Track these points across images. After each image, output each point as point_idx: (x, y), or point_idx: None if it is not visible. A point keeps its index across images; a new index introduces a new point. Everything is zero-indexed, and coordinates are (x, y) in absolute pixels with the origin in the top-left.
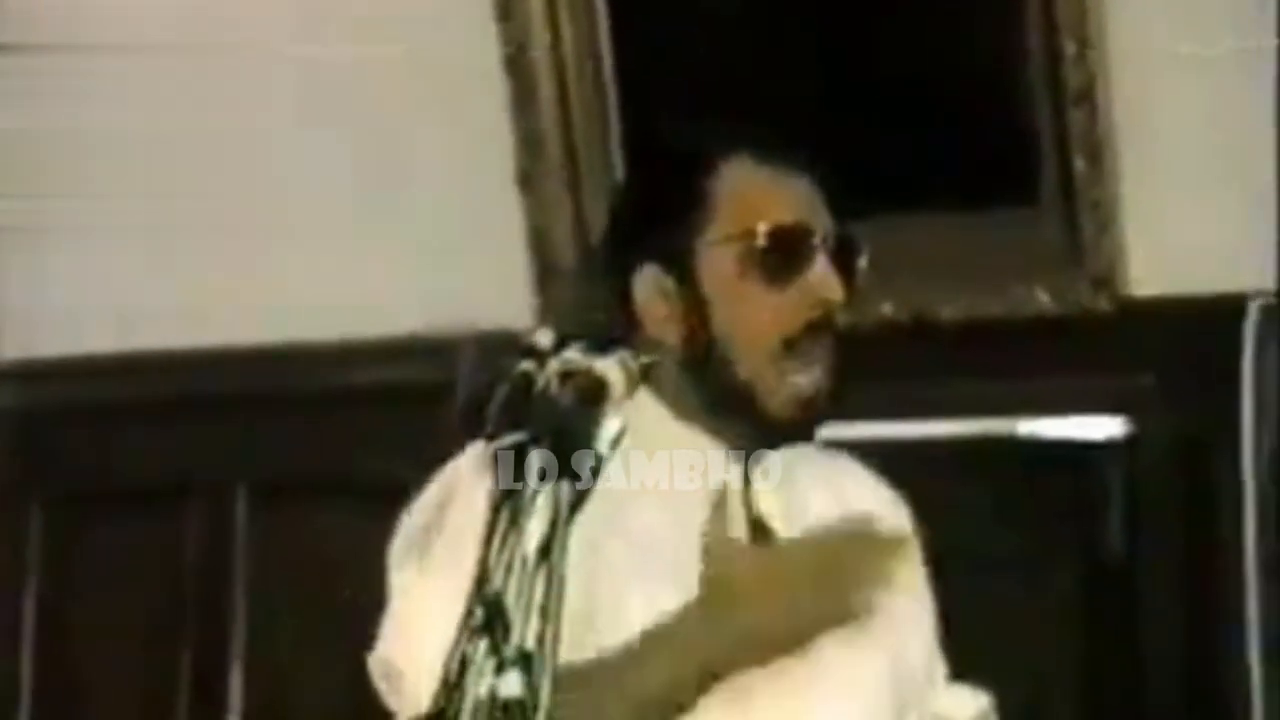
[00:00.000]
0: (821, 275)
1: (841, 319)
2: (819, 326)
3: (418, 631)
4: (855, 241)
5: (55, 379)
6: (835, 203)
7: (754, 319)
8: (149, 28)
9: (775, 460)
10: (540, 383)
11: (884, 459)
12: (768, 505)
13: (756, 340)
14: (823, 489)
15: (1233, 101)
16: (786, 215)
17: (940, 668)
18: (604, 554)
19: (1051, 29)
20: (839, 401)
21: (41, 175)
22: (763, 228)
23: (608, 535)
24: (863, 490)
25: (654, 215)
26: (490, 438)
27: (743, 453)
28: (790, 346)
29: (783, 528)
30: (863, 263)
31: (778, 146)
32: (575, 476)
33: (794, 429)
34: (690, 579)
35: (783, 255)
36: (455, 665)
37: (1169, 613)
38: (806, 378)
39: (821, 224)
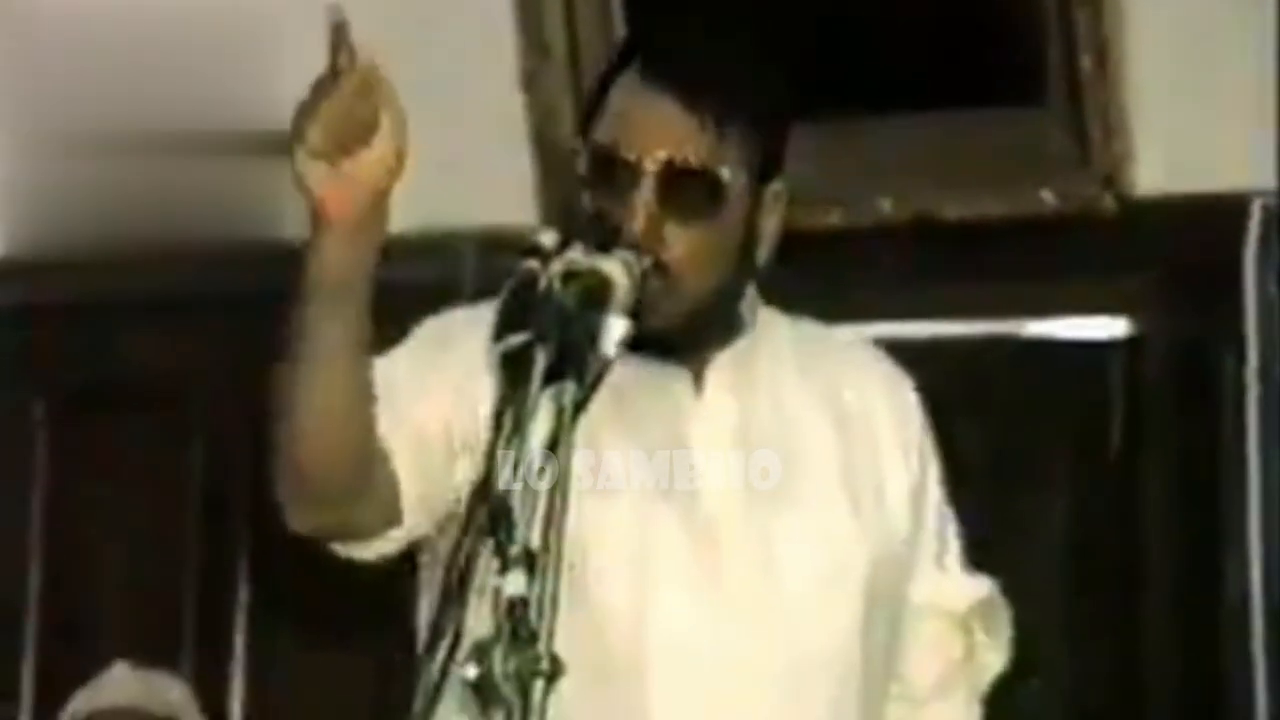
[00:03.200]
0: (628, 206)
1: (837, 218)
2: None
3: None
4: (693, 177)
5: (59, 275)
6: (827, 104)
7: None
8: None
9: (722, 369)
10: (544, 283)
11: None
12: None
13: None
14: (817, 403)
15: (1241, 2)
16: (619, 137)
17: (951, 555)
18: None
19: None
20: (705, 330)
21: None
22: (586, 147)
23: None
24: (867, 388)
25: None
26: (495, 338)
27: (685, 370)
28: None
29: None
30: (707, 202)
31: (669, 66)
32: (580, 377)
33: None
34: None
35: (601, 177)
36: (459, 566)
37: (1171, 510)
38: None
39: (669, 152)
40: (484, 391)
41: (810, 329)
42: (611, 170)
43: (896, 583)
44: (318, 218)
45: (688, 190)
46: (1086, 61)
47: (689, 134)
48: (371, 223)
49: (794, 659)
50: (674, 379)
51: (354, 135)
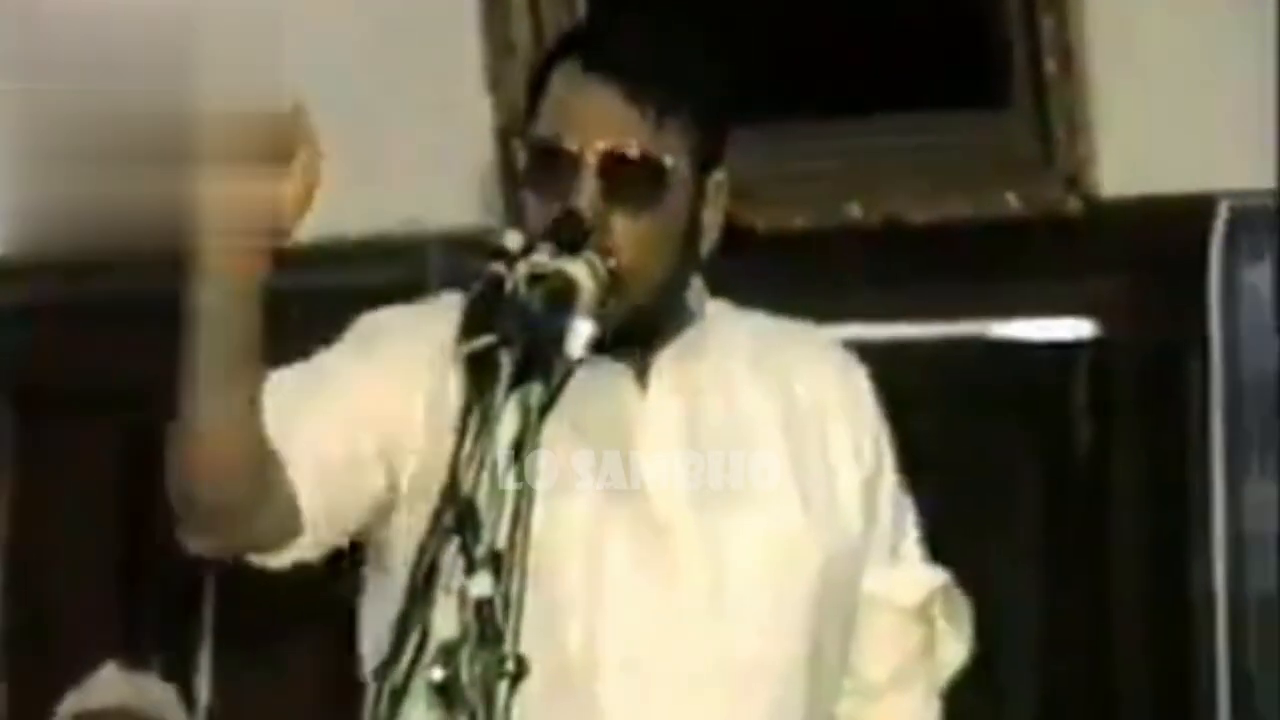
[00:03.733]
0: (571, 195)
1: (804, 221)
2: (567, 218)
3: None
4: (635, 166)
5: (26, 278)
6: (794, 107)
7: (529, 228)
8: None
9: (666, 365)
10: (509, 285)
11: None
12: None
13: None
14: (767, 394)
15: (1205, 3)
16: (559, 129)
17: (908, 543)
18: None
19: None
20: (643, 333)
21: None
22: (527, 140)
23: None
24: (818, 379)
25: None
26: (461, 339)
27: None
28: (551, 235)
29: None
30: (650, 191)
31: (609, 54)
32: (546, 378)
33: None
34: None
35: (542, 168)
36: (424, 568)
37: (1136, 512)
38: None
39: (611, 142)
40: (417, 386)
41: (762, 321)
42: (553, 162)
43: (850, 579)
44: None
45: (630, 180)
46: (1051, 64)
47: (630, 123)
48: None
49: (741, 660)
50: (618, 378)
51: (266, 159)
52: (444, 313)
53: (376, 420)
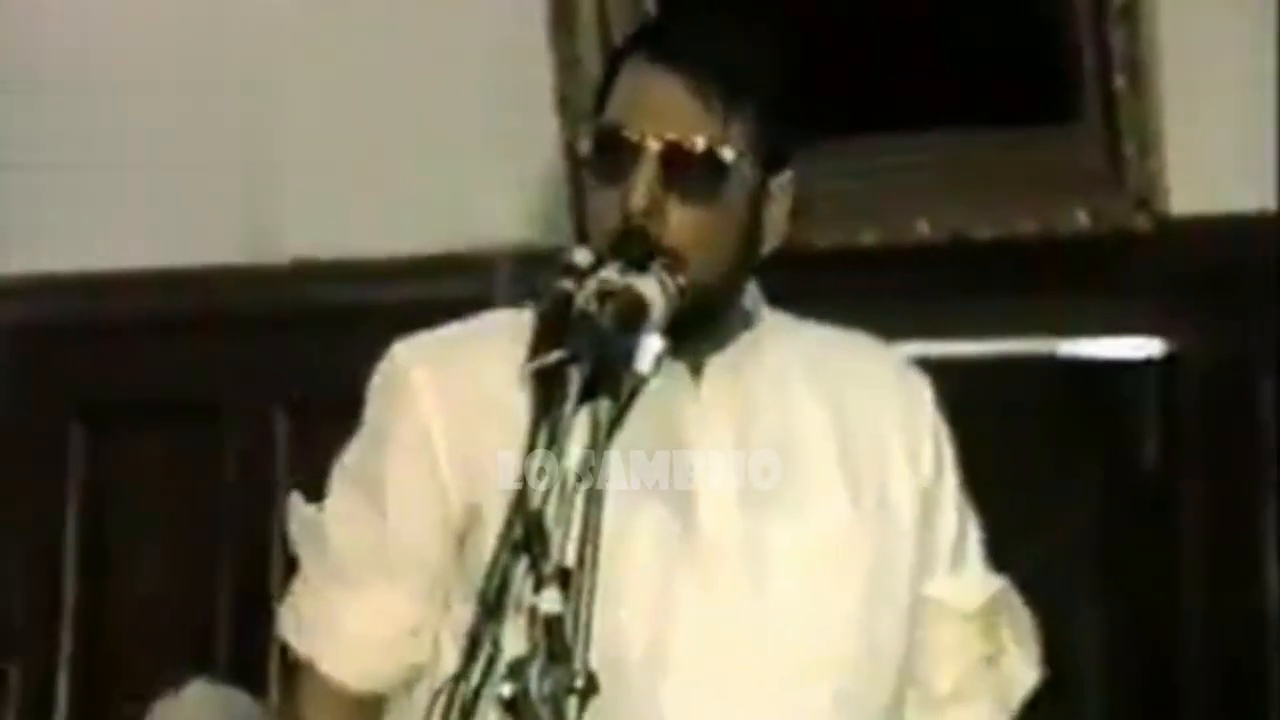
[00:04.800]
0: (629, 183)
1: (872, 238)
2: (630, 235)
3: (342, 631)
4: (696, 157)
5: (96, 293)
6: (864, 123)
7: (590, 216)
8: None
9: (722, 365)
10: (580, 301)
11: None
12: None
13: (593, 240)
14: (820, 402)
15: (1274, 21)
16: (622, 117)
17: (971, 548)
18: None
19: None
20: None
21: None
22: (591, 127)
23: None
24: (875, 386)
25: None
26: (530, 356)
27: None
28: (615, 251)
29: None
30: (709, 183)
31: (677, 45)
32: (615, 395)
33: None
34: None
35: (604, 156)
36: (495, 584)
37: (1205, 528)
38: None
39: (673, 132)
40: (446, 449)
41: (822, 331)
42: (615, 150)
43: (901, 576)
44: None
45: (690, 171)
46: (1121, 80)
47: (694, 115)
48: None
49: (799, 658)
50: (672, 379)
51: None
52: (473, 340)
53: (456, 501)
